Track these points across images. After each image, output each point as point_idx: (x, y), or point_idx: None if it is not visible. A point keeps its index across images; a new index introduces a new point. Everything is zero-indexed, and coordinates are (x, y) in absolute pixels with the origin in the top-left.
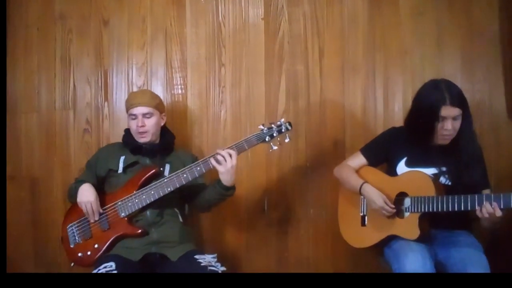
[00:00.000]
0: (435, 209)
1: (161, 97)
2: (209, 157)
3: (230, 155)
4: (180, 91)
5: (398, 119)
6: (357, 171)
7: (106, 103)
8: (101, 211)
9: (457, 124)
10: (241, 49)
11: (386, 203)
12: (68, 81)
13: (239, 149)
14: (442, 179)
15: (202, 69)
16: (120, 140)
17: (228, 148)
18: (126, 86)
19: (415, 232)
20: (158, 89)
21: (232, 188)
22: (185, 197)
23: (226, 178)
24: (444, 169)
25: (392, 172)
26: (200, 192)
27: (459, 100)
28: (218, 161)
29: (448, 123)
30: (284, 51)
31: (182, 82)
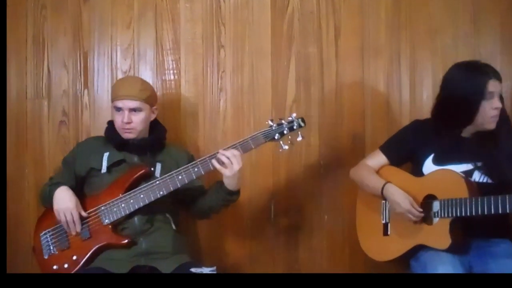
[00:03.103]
0: (468, 213)
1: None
2: (209, 157)
3: (236, 156)
4: (172, 77)
5: (427, 109)
6: (377, 172)
7: (85, 91)
8: (85, 214)
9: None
10: (244, 28)
11: (412, 205)
12: (41, 65)
13: (245, 148)
14: (477, 176)
15: (198, 51)
16: (102, 133)
17: (231, 147)
18: (109, 71)
19: (446, 241)
20: (147, 75)
21: (237, 193)
22: (180, 202)
23: (232, 182)
24: (478, 163)
25: (418, 171)
26: (199, 196)
27: (499, 76)
28: (221, 163)
29: (496, 100)
30: (294, 30)
31: (174, 66)
